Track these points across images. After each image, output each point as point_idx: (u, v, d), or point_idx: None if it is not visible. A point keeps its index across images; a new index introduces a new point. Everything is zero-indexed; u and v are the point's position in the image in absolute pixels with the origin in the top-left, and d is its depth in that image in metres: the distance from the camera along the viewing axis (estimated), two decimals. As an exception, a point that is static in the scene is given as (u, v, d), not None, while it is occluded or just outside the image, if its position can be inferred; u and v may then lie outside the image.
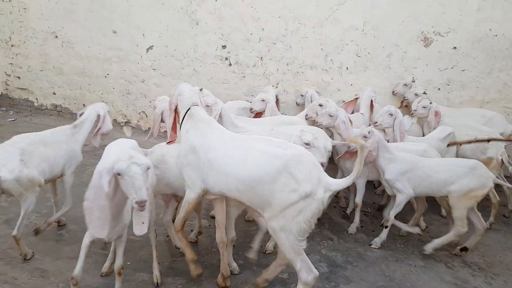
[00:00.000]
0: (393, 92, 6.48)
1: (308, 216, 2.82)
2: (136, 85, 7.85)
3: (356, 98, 5.85)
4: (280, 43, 6.93)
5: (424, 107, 5.47)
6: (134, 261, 3.83)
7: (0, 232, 4.11)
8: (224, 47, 7.26)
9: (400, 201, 4.29)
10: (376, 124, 4.87)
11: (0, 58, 8.80)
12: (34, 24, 8.32)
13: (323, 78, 6.86)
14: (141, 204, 2.45)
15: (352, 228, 4.78)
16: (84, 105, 8.32)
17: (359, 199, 4.76)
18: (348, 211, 5.24)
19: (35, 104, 8.73)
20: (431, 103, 5.48)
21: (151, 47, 7.66)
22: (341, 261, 4.17)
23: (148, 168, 2.61)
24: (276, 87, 7.07)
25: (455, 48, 6.24)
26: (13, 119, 8.25)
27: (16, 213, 4.45)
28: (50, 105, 8.67)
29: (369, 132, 4.30)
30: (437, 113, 5.41)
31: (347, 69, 6.73)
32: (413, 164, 4.27)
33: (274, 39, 6.93)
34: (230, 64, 7.28)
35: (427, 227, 5.02)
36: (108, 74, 7.95)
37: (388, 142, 4.68)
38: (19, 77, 8.73)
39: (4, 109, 8.90)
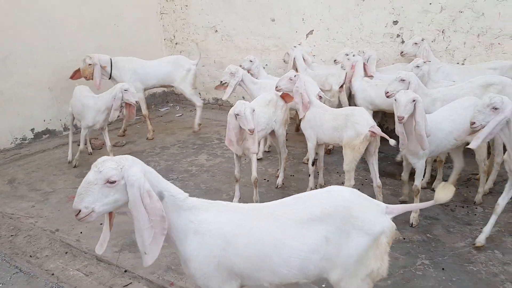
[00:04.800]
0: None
1: None
2: (295, 74, 7.45)
3: None
4: (468, 11, 5.73)
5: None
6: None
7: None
8: (395, 22, 6.34)
9: None
10: (387, 94, 4.44)
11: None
12: (195, 20, 8.52)
13: (528, 48, 5.48)
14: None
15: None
16: (243, 97, 8.29)
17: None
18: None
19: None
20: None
21: (311, 32, 7.15)
22: None
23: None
24: (463, 63, 5.92)
25: None
26: (181, 114, 8.65)
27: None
28: (212, 99, 8.89)
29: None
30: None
31: None
32: None
33: (461, 6, 5.75)
34: (403, 42, 6.33)
35: None
36: (266, 64, 7.70)
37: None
38: (183, 74, 9.11)
39: (171, 105, 9.44)
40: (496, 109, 3.25)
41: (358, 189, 4.84)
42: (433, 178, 4.97)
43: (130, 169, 2.02)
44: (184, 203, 2.14)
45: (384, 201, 2.81)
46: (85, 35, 7.57)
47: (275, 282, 2.17)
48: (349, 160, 4.20)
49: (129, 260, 3.72)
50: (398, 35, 6.36)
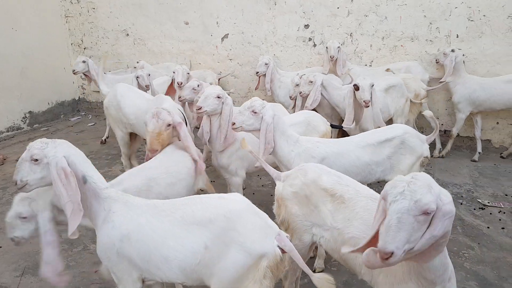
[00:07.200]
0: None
1: None
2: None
3: None
4: (373, 15, 6.04)
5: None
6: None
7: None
8: (306, 26, 6.50)
9: None
10: (301, 94, 5.03)
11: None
12: (104, 23, 8.08)
13: (427, 50, 5.90)
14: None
15: None
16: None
17: None
18: None
19: (112, 105, 8.57)
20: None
21: (226, 36, 7.10)
22: (493, 277, 3.40)
23: None
24: (370, 65, 6.22)
25: None
26: (93, 124, 8.14)
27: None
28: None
29: None
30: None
31: (457, 37, 5.70)
32: None
33: (366, 10, 6.05)
34: (315, 45, 6.51)
35: None
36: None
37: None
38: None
39: (83, 113, 8.86)
40: (255, 112, 3.12)
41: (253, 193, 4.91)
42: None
43: (52, 149, 2.22)
44: (102, 192, 2.29)
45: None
46: (-23, 42, 6.82)
47: (164, 279, 2.22)
48: None
49: (32, 284, 3.41)
50: (310, 39, 6.53)
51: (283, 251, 2.09)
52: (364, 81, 4.22)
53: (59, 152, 2.22)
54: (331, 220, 2.33)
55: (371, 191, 2.35)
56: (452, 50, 5.43)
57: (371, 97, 4.26)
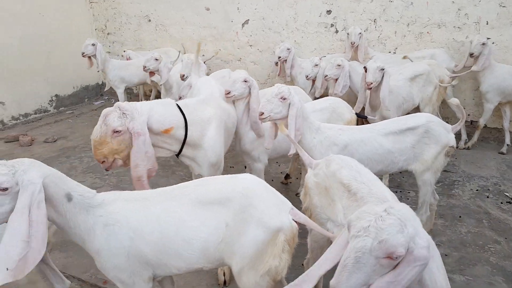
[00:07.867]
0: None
1: None
2: (232, 64, 7.29)
3: None
4: (398, 0, 5.83)
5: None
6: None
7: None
8: (329, 12, 6.34)
9: None
10: (326, 77, 4.93)
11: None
12: (127, 9, 8.11)
13: (455, 37, 5.66)
14: None
15: None
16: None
17: None
18: None
19: (134, 91, 8.65)
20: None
21: (246, 22, 7.00)
22: (520, 273, 3.27)
23: None
24: (395, 52, 6.03)
25: None
26: (116, 109, 8.23)
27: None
28: (148, 91, 8.52)
29: None
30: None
31: (487, 23, 5.45)
32: None
33: (391, -4, 5.86)
34: (337, 31, 6.35)
35: None
36: (203, 55, 7.47)
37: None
38: (117, 66, 8.67)
39: (106, 97, 8.97)
40: (284, 99, 2.99)
41: (272, 180, 4.84)
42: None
43: (26, 174, 1.81)
44: (93, 200, 2.06)
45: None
46: (7, 28, 6.91)
47: (182, 268, 2.13)
48: None
49: (60, 260, 3.52)
50: (332, 25, 6.37)
51: (298, 224, 2.10)
52: (372, 64, 4.08)
53: (36, 178, 1.82)
54: (342, 217, 2.20)
55: (386, 192, 2.15)
56: (488, 38, 5.14)
57: (382, 81, 4.10)
